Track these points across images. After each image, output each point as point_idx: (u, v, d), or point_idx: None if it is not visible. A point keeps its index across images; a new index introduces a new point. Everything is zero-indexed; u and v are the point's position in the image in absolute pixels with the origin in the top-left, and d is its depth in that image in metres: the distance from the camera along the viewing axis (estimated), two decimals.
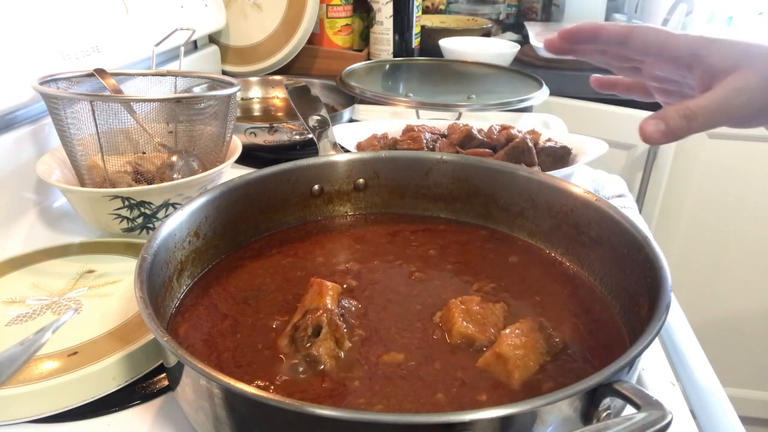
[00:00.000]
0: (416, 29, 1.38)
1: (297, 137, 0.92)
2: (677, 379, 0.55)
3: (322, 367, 0.44)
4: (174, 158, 0.73)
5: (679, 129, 0.45)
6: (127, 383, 0.49)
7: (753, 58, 0.45)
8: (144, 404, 0.49)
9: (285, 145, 0.92)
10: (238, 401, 0.36)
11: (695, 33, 0.48)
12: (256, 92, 1.20)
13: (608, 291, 0.53)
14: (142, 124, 0.71)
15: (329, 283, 0.50)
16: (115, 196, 0.66)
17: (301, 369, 0.44)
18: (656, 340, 0.43)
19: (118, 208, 0.67)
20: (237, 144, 0.78)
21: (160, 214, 0.69)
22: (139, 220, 0.68)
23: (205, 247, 0.56)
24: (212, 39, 1.31)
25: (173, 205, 0.69)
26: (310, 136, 0.73)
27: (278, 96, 1.20)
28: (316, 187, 0.65)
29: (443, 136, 0.86)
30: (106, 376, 0.48)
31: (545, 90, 1.07)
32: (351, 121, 1.04)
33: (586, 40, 0.50)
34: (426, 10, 1.73)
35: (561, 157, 0.82)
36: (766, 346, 1.60)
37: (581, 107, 1.39)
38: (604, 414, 0.35)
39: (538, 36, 1.47)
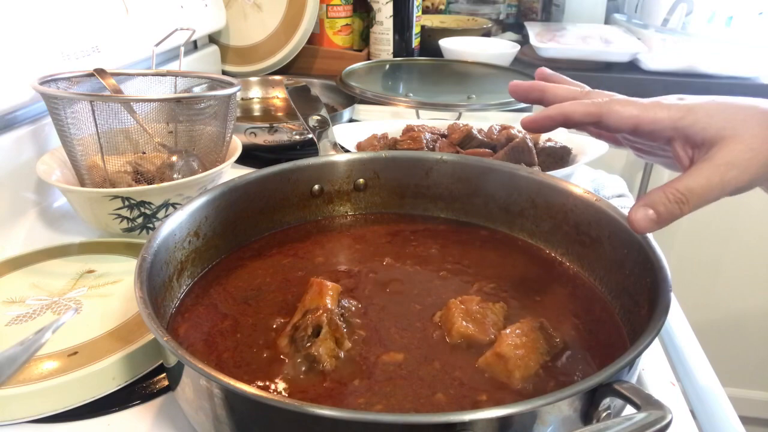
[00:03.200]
0: (416, 29, 1.38)
1: (297, 137, 0.92)
2: (677, 379, 0.55)
3: (322, 367, 0.44)
4: (174, 158, 0.73)
5: (671, 215, 0.43)
6: (127, 383, 0.49)
7: (737, 125, 0.42)
8: (144, 404, 0.49)
9: (285, 145, 0.92)
10: (238, 401, 0.36)
11: (669, 100, 0.45)
12: (256, 92, 1.20)
13: (608, 291, 0.53)
14: (142, 124, 0.71)
15: (329, 283, 0.50)
16: (115, 196, 0.66)
17: (301, 369, 0.44)
18: (656, 340, 0.43)
19: (118, 208, 0.67)
20: (237, 144, 0.78)
21: (160, 214, 0.69)
22: (139, 220, 0.68)
23: (205, 247, 0.56)
24: (212, 39, 1.31)
25: (173, 205, 0.69)
26: (310, 136, 0.73)
27: (278, 96, 1.20)
28: (316, 187, 0.65)
29: (443, 136, 0.86)
30: (106, 376, 0.48)
31: None
32: (351, 121, 1.04)
33: (559, 125, 0.48)
34: (426, 10, 1.73)
35: (561, 157, 0.82)
36: (766, 346, 1.60)
37: None
38: (604, 414, 0.35)
39: (538, 36, 1.47)
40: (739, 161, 0.41)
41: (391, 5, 1.33)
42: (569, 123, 0.47)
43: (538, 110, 1.19)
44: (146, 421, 0.47)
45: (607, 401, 0.35)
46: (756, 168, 0.41)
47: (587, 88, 0.50)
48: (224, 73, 1.31)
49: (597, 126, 0.46)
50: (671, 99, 0.46)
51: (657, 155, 0.51)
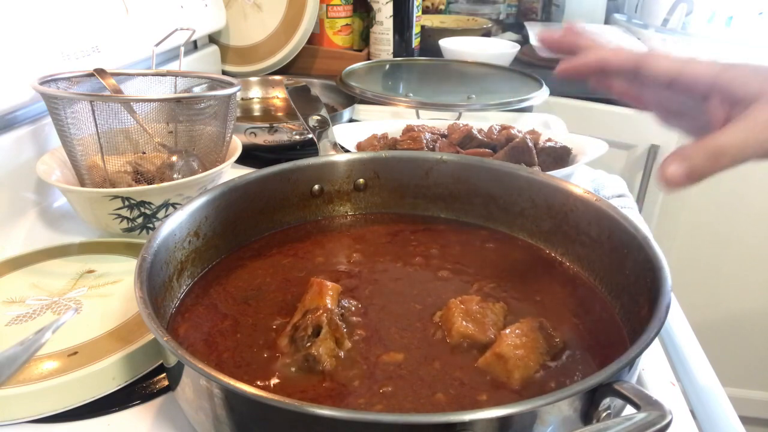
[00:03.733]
0: (416, 29, 1.38)
1: (297, 137, 0.92)
2: (677, 379, 0.55)
3: (322, 367, 0.44)
4: (174, 158, 0.73)
5: (706, 169, 0.40)
6: (127, 383, 0.49)
7: None
8: (144, 404, 0.49)
9: (285, 145, 0.92)
10: (238, 401, 0.36)
11: (707, 59, 0.43)
12: (256, 92, 1.20)
13: (608, 291, 0.53)
14: (142, 124, 0.71)
15: (329, 283, 0.50)
16: (115, 196, 0.66)
17: (301, 369, 0.44)
18: (656, 340, 0.43)
19: (118, 208, 0.67)
20: (237, 144, 0.78)
21: (160, 214, 0.69)
22: (139, 220, 0.68)
23: (205, 247, 0.56)
24: (212, 39, 1.31)
25: (173, 205, 0.69)
26: (310, 136, 0.73)
27: (278, 96, 1.20)
28: (316, 187, 0.65)
29: (443, 136, 0.86)
30: (106, 376, 0.48)
31: (545, 90, 1.07)
32: (351, 121, 1.04)
33: (593, 72, 0.46)
34: (426, 10, 1.73)
35: (561, 157, 0.82)
36: (766, 346, 1.60)
37: (581, 107, 1.39)
38: (604, 414, 0.35)
39: (538, 36, 1.47)
40: None
41: (391, 5, 1.33)
42: (606, 69, 0.46)
43: (537, 111, 1.18)
44: (146, 421, 0.47)
45: (607, 401, 0.35)
46: None
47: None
48: (224, 73, 1.31)
49: (634, 76, 0.45)
50: (706, 59, 0.44)
51: (684, 117, 0.49)
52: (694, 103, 0.45)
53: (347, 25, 1.39)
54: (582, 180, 0.87)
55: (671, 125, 0.51)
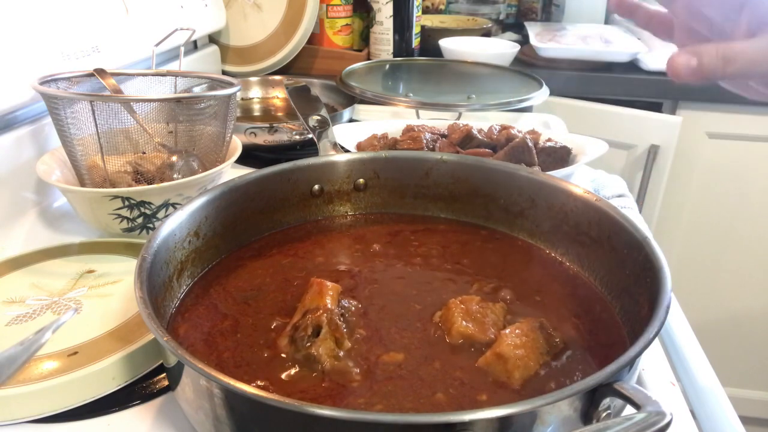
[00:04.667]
0: (416, 29, 1.38)
1: (297, 137, 0.92)
2: (677, 379, 0.55)
3: (322, 366, 0.44)
4: (174, 158, 0.73)
5: (713, 69, 0.41)
6: (127, 383, 0.49)
7: None
8: (144, 404, 0.49)
9: (285, 145, 0.92)
10: (238, 401, 0.36)
11: None
12: (256, 92, 1.20)
13: (608, 291, 0.53)
14: (142, 124, 0.71)
15: (329, 283, 0.50)
16: (115, 196, 0.66)
17: (301, 369, 0.44)
18: (656, 340, 0.43)
19: (118, 208, 0.67)
20: (237, 144, 0.78)
21: (160, 214, 0.69)
22: (139, 220, 0.68)
23: (205, 247, 0.56)
24: (212, 39, 1.31)
25: (173, 205, 0.69)
26: (310, 136, 0.73)
27: (278, 96, 1.20)
28: (316, 187, 0.65)
29: (443, 136, 0.86)
30: (106, 376, 0.48)
31: (545, 90, 1.07)
32: (351, 121, 1.04)
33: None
34: (426, 10, 1.73)
35: (561, 157, 0.82)
36: (766, 346, 1.60)
37: (581, 107, 1.39)
38: (604, 414, 0.35)
39: (538, 36, 1.47)
40: None
41: (391, 5, 1.33)
42: None
43: (537, 111, 1.18)
44: (146, 421, 0.47)
45: (607, 401, 0.35)
46: None
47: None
48: (224, 73, 1.31)
49: None
50: None
51: (698, 38, 0.48)
52: (725, 19, 0.45)
53: (347, 25, 1.39)
54: (582, 180, 0.87)
55: (678, 44, 0.50)
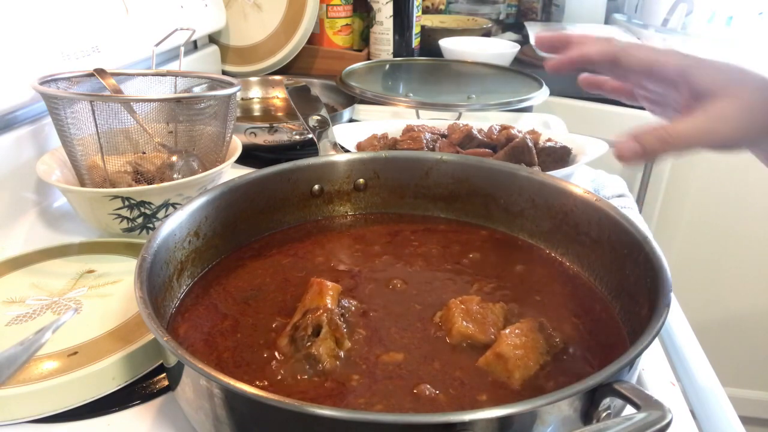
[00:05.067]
0: (416, 29, 1.38)
1: (297, 137, 0.92)
2: (677, 379, 0.55)
3: (322, 366, 0.44)
4: (174, 158, 0.73)
5: (654, 152, 0.45)
6: (127, 383, 0.49)
7: (740, 84, 0.44)
8: (144, 404, 0.49)
9: (285, 145, 0.92)
10: (238, 401, 0.36)
11: (683, 51, 0.47)
12: (256, 92, 1.20)
13: (608, 291, 0.53)
14: (142, 124, 0.71)
15: (329, 283, 0.50)
16: (115, 196, 0.66)
17: (301, 369, 0.44)
18: (656, 340, 0.43)
19: (118, 208, 0.67)
20: (237, 144, 0.78)
21: (160, 214, 0.69)
22: (139, 220, 0.68)
23: (205, 247, 0.56)
24: (212, 39, 1.31)
25: (173, 205, 0.69)
26: (310, 136, 0.73)
27: (278, 96, 1.20)
28: (316, 187, 0.65)
29: (443, 136, 0.86)
30: (106, 376, 0.48)
31: (545, 90, 1.07)
32: (351, 121, 1.04)
33: (577, 65, 0.51)
34: (426, 10, 1.73)
35: (561, 157, 0.82)
36: (766, 346, 1.60)
37: (581, 107, 1.39)
38: (604, 414, 0.35)
39: (535, 38, 1.47)
40: (732, 117, 0.43)
41: (391, 5, 1.33)
42: (587, 62, 0.50)
43: (537, 111, 1.18)
44: (146, 421, 0.47)
45: (607, 401, 0.35)
46: (745, 129, 0.44)
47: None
48: (224, 73, 1.31)
49: (613, 66, 0.49)
50: (674, 59, 0.47)
51: (668, 106, 0.52)
52: (667, 92, 0.49)
53: (347, 25, 1.39)
54: (582, 180, 0.87)
55: (659, 115, 0.54)
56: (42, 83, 0.69)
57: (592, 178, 0.89)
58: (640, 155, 0.45)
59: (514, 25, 1.81)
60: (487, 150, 0.81)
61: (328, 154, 0.69)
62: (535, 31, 1.52)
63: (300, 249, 0.61)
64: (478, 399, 0.42)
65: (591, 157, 0.80)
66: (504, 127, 0.86)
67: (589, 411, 0.35)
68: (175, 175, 0.72)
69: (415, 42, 1.39)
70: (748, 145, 0.46)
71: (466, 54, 1.31)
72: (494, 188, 0.63)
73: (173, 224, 0.52)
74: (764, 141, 0.46)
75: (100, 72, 0.76)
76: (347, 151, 0.82)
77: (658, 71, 0.47)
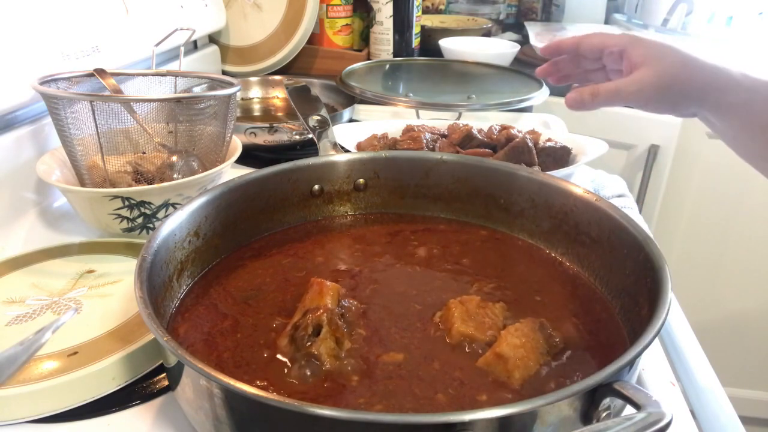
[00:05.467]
0: (416, 29, 1.38)
1: (297, 137, 0.92)
2: (677, 379, 0.55)
3: (322, 366, 0.44)
4: (174, 158, 0.73)
5: (586, 101, 0.62)
6: (127, 383, 0.49)
7: (659, 58, 0.59)
8: (144, 404, 0.49)
9: (285, 145, 0.92)
10: (238, 401, 0.36)
11: (630, 34, 0.63)
12: (256, 92, 1.20)
13: (608, 291, 0.53)
14: (142, 124, 0.71)
15: (329, 283, 0.50)
16: (115, 196, 0.66)
17: (301, 369, 0.44)
18: (656, 340, 0.43)
19: (118, 208, 0.67)
20: (237, 144, 0.78)
21: (160, 214, 0.69)
22: (139, 220, 0.68)
23: (205, 247, 0.56)
24: (212, 39, 1.31)
25: (173, 205, 0.69)
26: (310, 136, 0.73)
27: (278, 96, 1.20)
28: (316, 187, 0.65)
29: (443, 136, 0.86)
30: (106, 376, 0.48)
31: (545, 90, 1.07)
32: (351, 121, 1.04)
33: (559, 52, 0.68)
34: (426, 10, 1.73)
35: (561, 157, 0.82)
36: (766, 346, 1.60)
37: None
38: (604, 414, 0.35)
39: (538, 36, 1.47)
40: (642, 81, 0.59)
41: (391, 5, 1.33)
42: (562, 49, 0.67)
43: (537, 111, 1.18)
44: (146, 421, 0.47)
45: (607, 401, 0.35)
46: (652, 91, 0.58)
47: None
48: (224, 73, 1.31)
49: (579, 49, 0.66)
50: (627, 33, 0.66)
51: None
52: (615, 63, 0.64)
53: (347, 25, 1.39)
54: (582, 180, 0.87)
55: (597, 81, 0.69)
56: (42, 83, 0.69)
57: (592, 178, 0.89)
58: (579, 102, 0.62)
59: (514, 25, 1.81)
60: (487, 150, 0.81)
61: (328, 154, 0.69)
62: (535, 31, 1.52)
63: (300, 249, 0.61)
64: (478, 399, 0.42)
65: (591, 157, 0.80)
66: (504, 127, 0.86)
67: (589, 411, 0.35)
68: (175, 175, 0.72)
69: (415, 42, 1.39)
70: (658, 105, 0.60)
71: (466, 54, 1.31)
72: (494, 188, 0.63)
73: (173, 224, 0.52)
74: (675, 105, 0.60)
75: (100, 72, 0.76)
76: (347, 151, 0.82)
77: (608, 47, 0.63)
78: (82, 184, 0.71)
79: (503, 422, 0.33)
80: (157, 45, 0.94)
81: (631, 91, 0.59)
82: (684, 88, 0.58)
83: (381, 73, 1.26)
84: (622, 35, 0.62)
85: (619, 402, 0.35)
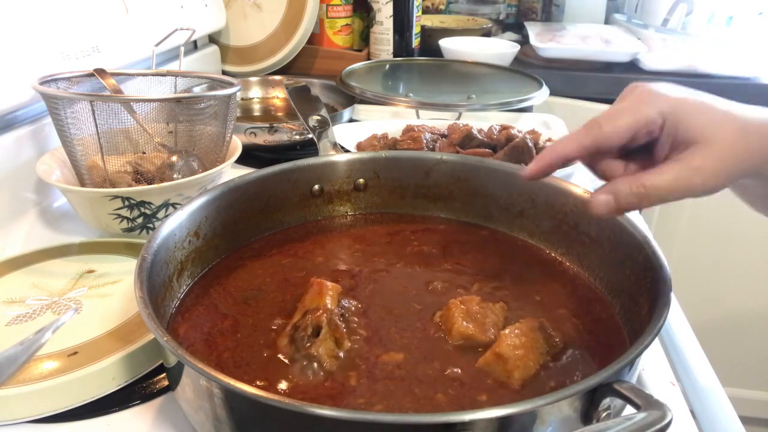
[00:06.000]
0: (416, 29, 1.38)
1: (297, 137, 0.92)
2: (677, 379, 0.55)
3: (322, 366, 0.44)
4: (174, 158, 0.73)
5: (629, 206, 0.43)
6: (127, 383, 0.49)
7: (713, 131, 0.42)
8: (144, 404, 0.49)
9: (285, 145, 0.92)
10: (238, 401, 0.36)
11: (653, 89, 0.44)
12: (256, 92, 1.20)
13: (608, 291, 0.53)
14: (142, 124, 0.71)
15: (329, 283, 0.50)
16: (115, 196, 0.66)
17: (300, 369, 0.44)
18: (656, 340, 0.43)
19: (118, 208, 0.67)
20: (237, 144, 0.78)
21: (160, 214, 0.69)
22: (139, 220, 0.68)
23: (205, 247, 0.56)
24: (212, 39, 1.31)
25: (173, 205, 0.69)
26: (310, 136, 0.73)
27: (278, 96, 1.20)
28: (316, 187, 0.65)
29: (443, 136, 0.86)
30: (106, 376, 0.48)
31: (545, 90, 1.07)
32: (351, 121, 1.04)
33: (559, 167, 0.48)
34: (426, 10, 1.73)
35: None
36: (766, 346, 1.60)
37: (581, 107, 1.39)
38: (604, 414, 0.35)
39: (538, 36, 1.47)
40: (706, 169, 0.42)
41: (391, 5, 1.32)
42: (569, 160, 0.46)
43: (537, 111, 1.18)
44: (146, 421, 0.47)
45: (607, 401, 0.35)
46: (723, 177, 0.42)
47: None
48: (224, 73, 1.31)
49: (599, 152, 0.45)
50: (645, 90, 0.44)
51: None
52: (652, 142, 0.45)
53: (347, 25, 1.39)
54: (582, 180, 0.87)
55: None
56: (42, 83, 0.69)
57: (592, 178, 0.89)
58: (614, 210, 0.43)
59: (514, 25, 1.81)
60: (487, 150, 0.81)
61: (328, 154, 0.69)
62: (535, 31, 1.52)
63: (300, 249, 0.61)
64: (478, 399, 0.42)
65: None
66: (504, 127, 0.86)
67: (589, 411, 0.35)
68: (175, 175, 0.72)
69: (415, 42, 1.39)
70: (724, 187, 0.44)
71: (466, 54, 1.31)
72: (494, 188, 0.63)
73: (173, 224, 0.52)
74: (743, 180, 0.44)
75: (100, 72, 0.76)
76: (347, 151, 0.82)
77: (644, 132, 0.43)
78: (82, 184, 0.71)
79: (503, 422, 0.33)
80: (157, 45, 0.94)
81: (695, 183, 0.42)
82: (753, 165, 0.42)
83: (381, 73, 1.26)
84: (645, 99, 0.43)
85: (619, 402, 0.35)
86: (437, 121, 0.95)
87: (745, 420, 0.55)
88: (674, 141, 0.43)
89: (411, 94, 1.05)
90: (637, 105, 0.43)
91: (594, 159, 0.47)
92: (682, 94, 0.44)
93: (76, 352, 0.49)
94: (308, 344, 0.45)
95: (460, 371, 0.44)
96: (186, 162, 0.73)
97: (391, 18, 1.34)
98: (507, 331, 0.45)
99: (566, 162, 0.46)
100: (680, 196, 0.43)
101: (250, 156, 0.87)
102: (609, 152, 0.45)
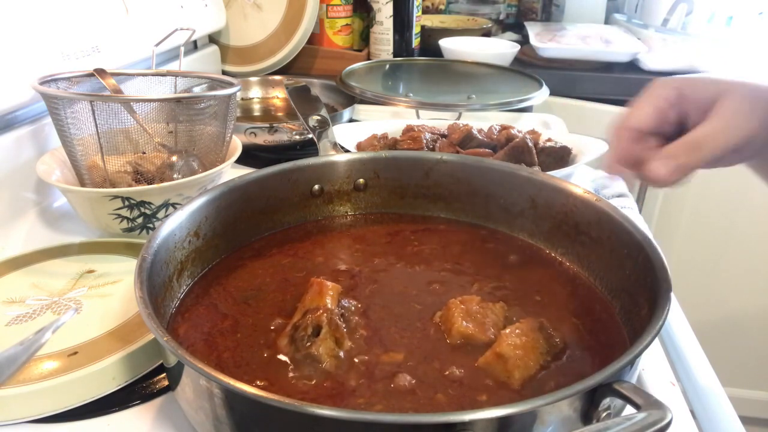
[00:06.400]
0: (416, 29, 1.38)
1: (297, 137, 0.92)
2: (677, 379, 0.55)
3: (322, 366, 0.44)
4: (174, 158, 0.73)
5: (689, 163, 0.43)
6: (127, 383, 0.49)
7: (729, 87, 0.44)
8: (144, 404, 0.49)
9: (285, 145, 0.92)
10: (238, 401, 0.36)
11: (667, 87, 0.47)
12: (256, 92, 1.20)
13: (608, 291, 0.53)
14: (142, 124, 0.71)
15: (329, 283, 0.50)
16: (115, 196, 0.66)
17: (301, 369, 0.44)
18: (656, 340, 0.43)
19: (118, 208, 0.67)
20: (237, 144, 0.78)
21: (160, 214, 0.69)
22: (139, 220, 0.68)
23: (205, 247, 0.56)
24: (212, 39, 1.31)
25: (173, 205, 0.69)
26: (310, 136, 0.73)
27: (278, 96, 1.20)
28: (316, 187, 0.65)
29: (443, 136, 0.86)
30: (106, 376, 0.48)
31: (545, 90, 1.07)
32: (351, 121, 1.04)
33: (637, 138, 0.47)
34: (426, 10, 1.73)
35: (561, 157, 0.82)
36: (766, 346, 1.60)
37: (581, 107, 1.39)
38: (604, 414, 0.35)
39: (538, 36, 1.47)
40: (741, 111, 0.43)
41: (391, 5, 1.33)
42: (643, 129, 0.47)
43: (537, 111, 1.18)
44: (146, 421, 0.47)
45: (607, 401, 0.35)
46: (757, 120, 0.43)
47: None
48: (224, 73, 1.31)
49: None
50: (657, 81, 0.47)
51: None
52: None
53: (347, 25, 1.39)
54: (582, 180, 0.87)
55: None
56: (42, 83, 0.69)
57: (592, 178, 0.89)
58: (677, 170, 0.43)
59: (514, 25, 1.81)
60: (487, 150, 0.81)
61: (328, 154, 0.69)
62: (535, 31, 1.52)
63: (300, 249, 0.61)
64: (478, 399, 0.42)
65: (591, 157, 0.80)
66: (504, 127, 0.86)
67: (589, 411, 0.35)
68: (175, 175, 0.72)
69: (415, 42, 1.39)
70: (761, 146, 0.45)
71: (466, 54, 1.31)
72: (494, 188, 0.63)
73: (173, 224, 0.52)
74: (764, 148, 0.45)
75: (100, 72, 0.76)
76: (347, 151, 0.82)
77: (668, 111, 0.46)
78: (82, 184, 0.71)
79: (503, 422, 0.33)
80: (157, 45, 0.94)
81: (737, 124, 0.43)
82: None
83: (381, 73, 1.26)
84: (661, 83, 0.46)
85: (619, 402, 0.35)
86: (437, 121, 0.95)
87: (745, 420, 0.55)
88: (698, 109, 0.45)
89: (411, 94, 1.05)
90: (650, 90, 0.47)
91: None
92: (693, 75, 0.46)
93: (76, 352, 0.49)
94: (308, 344, 0.45)
95: (460, 371, 0.44)
96: (186, 162, 0.73)
97: (391, 18, 1.34)
98: (507, 331, 0.45)
99: (641, 129, 0.47)
100: (725, 143, 0.43)
101: (250, 156, 0.87)
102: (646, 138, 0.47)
